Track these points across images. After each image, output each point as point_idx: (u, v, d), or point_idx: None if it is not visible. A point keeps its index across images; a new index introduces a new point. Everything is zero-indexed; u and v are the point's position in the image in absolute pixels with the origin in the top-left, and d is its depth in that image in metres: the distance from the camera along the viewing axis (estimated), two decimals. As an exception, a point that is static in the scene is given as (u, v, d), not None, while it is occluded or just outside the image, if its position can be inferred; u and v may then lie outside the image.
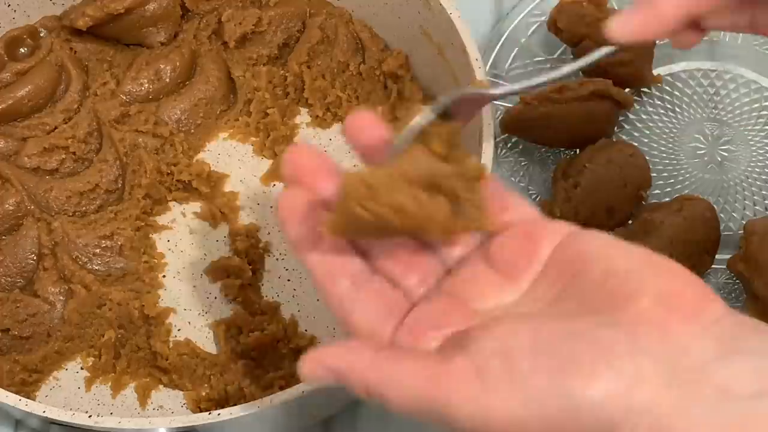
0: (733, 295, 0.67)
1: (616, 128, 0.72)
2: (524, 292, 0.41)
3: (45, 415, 0.55)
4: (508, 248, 0.41)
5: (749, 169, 0.72)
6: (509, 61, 0.75)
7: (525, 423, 0.36)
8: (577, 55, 0.73)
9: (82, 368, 0.65)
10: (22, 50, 0.73)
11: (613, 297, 0.37)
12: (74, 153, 0.70)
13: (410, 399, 0.38)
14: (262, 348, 0.64)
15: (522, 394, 0.36)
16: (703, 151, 0.72)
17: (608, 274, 0.38)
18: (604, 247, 0.40)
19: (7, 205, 0.67)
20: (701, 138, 0.73)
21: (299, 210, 0.43)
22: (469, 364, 0.37)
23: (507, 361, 0.36)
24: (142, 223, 0.68)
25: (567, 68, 0.48)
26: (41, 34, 0.74)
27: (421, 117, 0.44)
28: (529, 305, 0.40)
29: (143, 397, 0.63)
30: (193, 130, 0.72)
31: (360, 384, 0.39)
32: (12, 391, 0.56)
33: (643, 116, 0.73)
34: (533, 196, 0.71)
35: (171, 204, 0.70)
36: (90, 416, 0.54)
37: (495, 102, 0.73)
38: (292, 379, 0.62)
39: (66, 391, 0.64)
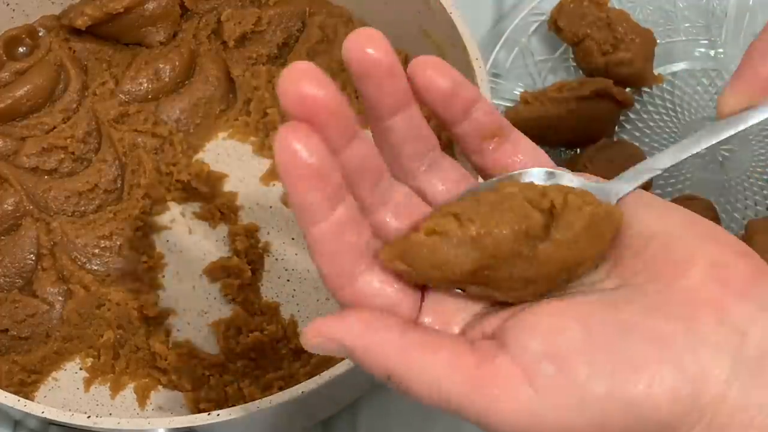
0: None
1: (616, 128, 0.72)
2: None
3: (44, 415, 0.55)
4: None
5: (750, 168, 0.71)
6: (509, 61, 0.75)
7: (583, 425, 0.33)
8: (577, 55, 0.73)
9: (81, 369, 0.65)
10: (20, 50, 0.73)
11: (656, 266, 0.35)
12: (73, 153, 0.69)
13: (441, 397, 0.34)
14: (261, 348, 0.63)
15: (579, 402, 0.33)
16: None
17: (645, 238, 0.36)
18: (634, 206, 0.37)
19: (5, 205, 0.67)
20: (702, 138, 0.72)
21: (312, 164, 0.33)
22: (514, 367, 0.34)
23: (561, 365, 0.33)
24: (141, 223, 0.68)
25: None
26: (40, 34, 0.73)
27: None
28: None
29: (142, 397, 0.63)
30: (192, 130, 0.72)
31: (381, 370, 0.35)
32: (11, 392, 0.56)
33: (644, 116, 0.73)
34: (533, 196, 0.70)
35: (170, 204, 0.70)
36: (89, 417, 0.54)
37: (495, 101, 0.73)
38: (292, 379, 0.62)
39: (65, 391, 0.64)
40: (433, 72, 0.37)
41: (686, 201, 0.66)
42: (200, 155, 0.71)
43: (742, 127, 0.39)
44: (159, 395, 0.64)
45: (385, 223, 0.37)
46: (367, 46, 0.35)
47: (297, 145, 0.32)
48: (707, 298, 0.34)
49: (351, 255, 0.35)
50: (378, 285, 0.36)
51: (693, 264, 0.35)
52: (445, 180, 0.39)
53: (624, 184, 0.38)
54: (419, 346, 0.34)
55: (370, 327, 0.35)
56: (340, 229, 0.34)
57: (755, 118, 0.40)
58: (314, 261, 0.35)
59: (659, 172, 0.39)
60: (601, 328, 0.34)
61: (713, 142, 0.39)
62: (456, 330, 0.37)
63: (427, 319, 0.37)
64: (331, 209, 0.34)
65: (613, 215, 0.36)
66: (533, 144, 0.40)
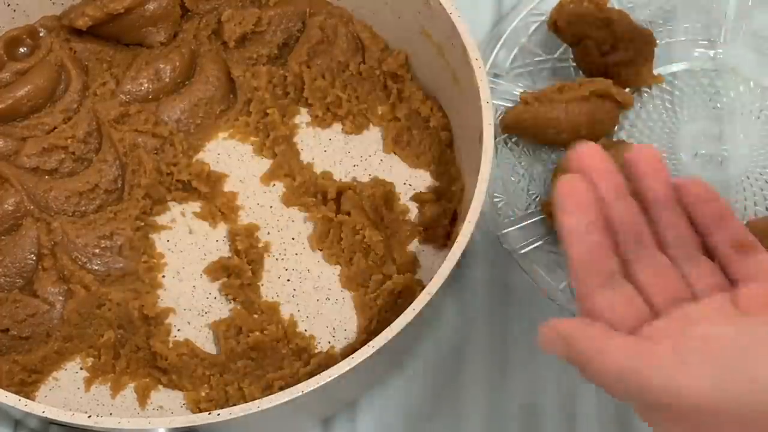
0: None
1: (616, 128, 0.72)
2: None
3: (44, 415, 0.55)
4: (756, 296, 0.43)
5: (750, 168, 0.71)
6: (509, 61, 0.75)
7: (714, 401, 0.39)
8: (576, 55, 0.73)
9: (81, 368, 0.65)
10: (21, 50, 0.73)
11: None
12: (74, 153, 0.70)
13: (612, 371, 0.42)
14: (261, 348, 0.63)
15: (714, 372, 0.39)
16: (703, 151, 0.72)
17: None
18: None
19: (6, 205, 0.67)
20: (702, 137, 0.73)
21: (583, 199, 0.45)
22: (669, 344, 0.41)
23: (705, 343, 0.40)
24: (142, 223, 0.68)
25: None
26: (41, 34, 0.74)
27: None
28: None
29: (143, 397, 0.63)
30: (192, 130, 0.72)
31: (579, 358, 0.43)
32: (11, 392, 0.56)
33: (644, 116, 0.73)
34: (533, 196, 0.70)
35: (170, 204, 0.70)
36: (89, 416, 0.54)
37: (495, 102, 0.73)
38: (292, 379, 0.62)
39: (65, 391, 0.64)
40: (699, 194, 0.47)
41: (686, 201, 0.66)
42: (200, 155, 0.71)
43: None
44: (159, 395, 0.64)
45: (637, 279, 0.45)
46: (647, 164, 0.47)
47: (574, 184, 0.45)
48: None
49: (596, 277, 0.44)
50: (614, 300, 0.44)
51: None
52: (701, 276, 0.45)
53: None
54: (601, 336, 0.43)
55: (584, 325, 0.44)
56: (592, 252, 0.44)
57: None
58: (571, 275, 0.47)
59: None
60: (752, 331, 0.41)
61: None
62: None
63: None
64: (588, 234, 0.44)
65: None
66: None
